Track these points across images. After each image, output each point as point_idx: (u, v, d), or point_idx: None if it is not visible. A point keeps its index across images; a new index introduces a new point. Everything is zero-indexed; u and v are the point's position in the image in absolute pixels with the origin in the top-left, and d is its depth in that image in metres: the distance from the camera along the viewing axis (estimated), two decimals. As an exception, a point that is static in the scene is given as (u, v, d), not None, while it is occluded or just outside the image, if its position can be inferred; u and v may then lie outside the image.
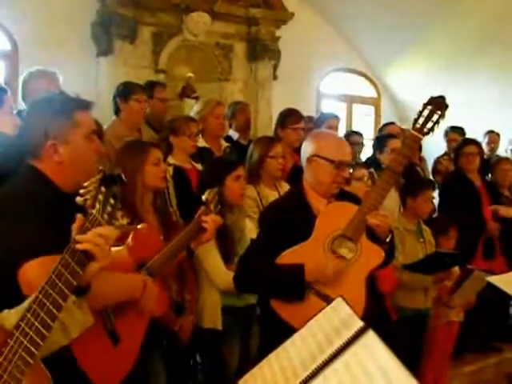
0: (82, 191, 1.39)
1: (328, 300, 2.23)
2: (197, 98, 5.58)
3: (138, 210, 2.57)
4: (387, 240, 2.38)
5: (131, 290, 1.96)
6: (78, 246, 1.34)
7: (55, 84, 3.44)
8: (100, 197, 1.40)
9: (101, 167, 1.45)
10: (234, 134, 4.79)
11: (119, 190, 1.46)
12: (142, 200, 2.64)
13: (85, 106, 1.74)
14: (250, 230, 3.21)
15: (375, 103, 7.95)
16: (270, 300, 2.37)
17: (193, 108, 4.59)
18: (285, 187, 3.74)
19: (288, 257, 2.35)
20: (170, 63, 5.96)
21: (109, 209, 1.42)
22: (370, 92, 7.95)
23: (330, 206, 2.46)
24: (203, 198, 2.47)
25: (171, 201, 3.40)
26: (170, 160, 3.57)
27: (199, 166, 3.74)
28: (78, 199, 1.39)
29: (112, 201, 1.43)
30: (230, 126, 4.86)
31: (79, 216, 1.39)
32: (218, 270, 2.94)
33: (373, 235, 2.37)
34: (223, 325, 2.93)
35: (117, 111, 3.93)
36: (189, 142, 3.65)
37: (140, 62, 5.70)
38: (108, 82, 5.29)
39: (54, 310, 1.26)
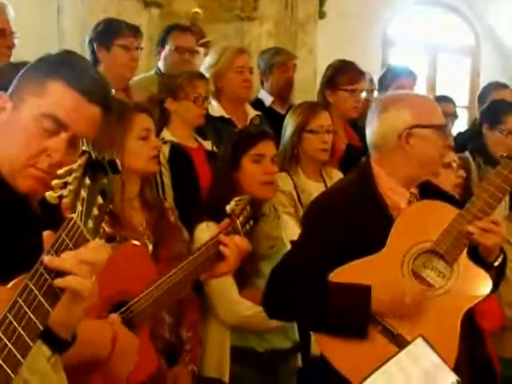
0: (54, 182, 1.34)
1: (399, 341, 2.24)
2: (206, 45, 5.59)
3: (117, 204, 2.58)
4: (496, 263, 2.38)
5: (94, 346, 1.85)
6: (58, 283, 1.31)
7: (5, 21, 3.51)
8: (83, 193, 1.36)
9: (85, 147, 1.43)
10: (266, 97, 4.77)
11: (111, 183, 1.43)
12: (124, 190, 2.65)
13: (71, 81, 1.64)
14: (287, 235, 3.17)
15: (473, 54, 7.87)
16: (315, 334, 2.41)
17: (200, 59, 4.60)
18: (336, 176, 3.73)
19: (346, 274, 2.36)
20: (167, -7, 5.98)
21: (95, 212, 1.38)
22: (465, 37, 7.87)
23: (417, 204, 2.47)
24: (228, 208, 2.41)
25: (166, 193, 3.43)
26: (166, 135, 3.59)
27: (208, 145, 3.76)
28: (50, 195, 1.34)
29: (100, 200, 1.40)
30: (262, 85, 4.85)
31: (47, 234, 1.35)
32: (225, 297, 2.93)
33: (474, 254, 2.37)
34: (233, 376, 2.93)
35: (94, 62, 3.96)
36: (193, 109, 3.65)
37: (122, -9, 5.73)
38: (74, 19, 5.34)
39: (9, 371, 1.23)
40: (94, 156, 1.38)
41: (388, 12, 7.34)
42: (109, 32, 3.94)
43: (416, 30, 7.68)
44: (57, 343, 1.42)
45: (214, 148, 3.74)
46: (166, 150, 3.50)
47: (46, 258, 1.30)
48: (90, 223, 1.37)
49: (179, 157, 3.58)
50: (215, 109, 4.02)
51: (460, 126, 6.47)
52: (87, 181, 1.37)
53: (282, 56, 4.91)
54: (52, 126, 1.61)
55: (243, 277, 2.92)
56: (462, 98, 7.32)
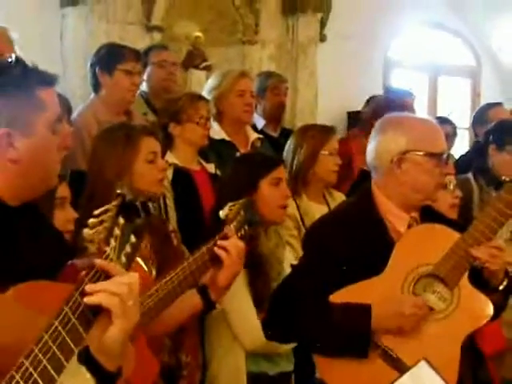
0: (91, 221, 1.44)
1: (398, 365, 2.24)
2: (208, 69, 5.63)
3: None
4: (500, 287, 2.38)
5: None
6: (89, 300, 1.40)
7: (7, 46, 3.52)
8: (117, 231, 1.47)
9: (119, 190, 1.52)
10: (258, 121, 4.82)
11: (143, 225, 1.54)
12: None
13: (48, 81, 1.74)
14: (289, 262, 3.19)
15: (473, 75, 7.90)
16: (314, 355, 2.40)
17: (202, 83, 4.62)
18: (339, 199, 3.76)
19: (346, 296, 2.36)
20: (169, 17, 6.01)
21: (128, 249, 1.49)
22: (466, 59, 7.91)
23: (418, 228, 2.47)
24: (221, 214, 2.45)
25: (169, 216, 3.44)
26: (170, 158, 3.60)
27: (211, 168, 3.77)
28: (87, 232, 1.43)
29: (133, 239, 1.50)
30: (255, 108, 4.87)
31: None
32: (248, 322, 2.92)
33: (476, 278, 2.37)
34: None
35: (96, 87, 3.99)
36: (198, 131, 3.68)
37: (124, 16, 5.76)
38: (77, 45, 5.36)
39: None
40: (127, 198, 1.51)
41: (389, 34, 7.35)
42: (111, 57, 3.95)
43: (417, 51, 7.70)
44: (102, 374, 1.46)
45: (218, 171, 3.76)
46: (169, 172, 3.51)
47: (87, 287, 1.40)
48: (123, 259, 1.48)
49: (182, 179, 3.60)
50: (216, 131, 4.04)
51: (461, 147, 6.49)
52: (121, 220, 1.48)
53: (274, 79, 4.99)
54: (59, 125, 1.74)
55: (260, 299, 2.94)
56: (462, 120, 7.34)
